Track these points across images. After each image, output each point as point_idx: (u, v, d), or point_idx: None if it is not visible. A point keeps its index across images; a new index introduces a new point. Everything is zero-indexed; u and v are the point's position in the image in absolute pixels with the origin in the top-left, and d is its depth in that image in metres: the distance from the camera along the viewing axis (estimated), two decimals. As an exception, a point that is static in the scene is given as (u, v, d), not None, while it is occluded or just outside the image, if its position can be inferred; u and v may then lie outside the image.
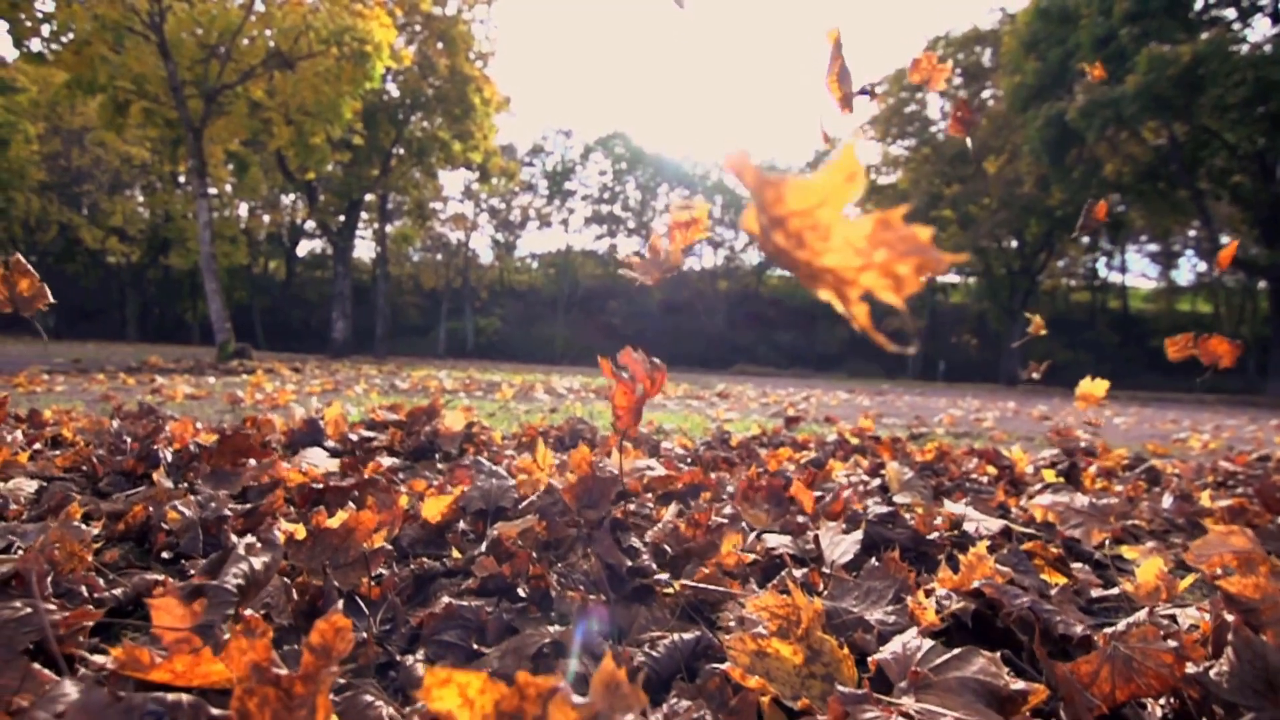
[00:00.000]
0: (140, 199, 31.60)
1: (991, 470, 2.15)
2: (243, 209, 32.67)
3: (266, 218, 34.04)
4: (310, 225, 33.37)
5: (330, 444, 2.05)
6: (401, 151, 16.65)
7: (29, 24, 8.27)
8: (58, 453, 1.92)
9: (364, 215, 18.02)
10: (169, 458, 1.61)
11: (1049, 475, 1.98)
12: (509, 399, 6.27)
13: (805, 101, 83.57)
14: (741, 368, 33.63)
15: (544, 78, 72.04)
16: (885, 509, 1.24)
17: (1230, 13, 18.22)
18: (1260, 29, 17.71)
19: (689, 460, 2.11)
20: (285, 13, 9.63)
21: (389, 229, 22.24)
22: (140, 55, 9.43)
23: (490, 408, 5.19)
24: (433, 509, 1.27)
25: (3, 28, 8.86)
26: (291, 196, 28.22)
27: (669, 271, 1.21)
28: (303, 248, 40.51)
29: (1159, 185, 22.16)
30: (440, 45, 15.17)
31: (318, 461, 1.80)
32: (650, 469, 1.57)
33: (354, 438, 2.09)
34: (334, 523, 0.99)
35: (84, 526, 1.04)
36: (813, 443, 2.90)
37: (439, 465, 1.94)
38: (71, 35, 8.81)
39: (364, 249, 35.72)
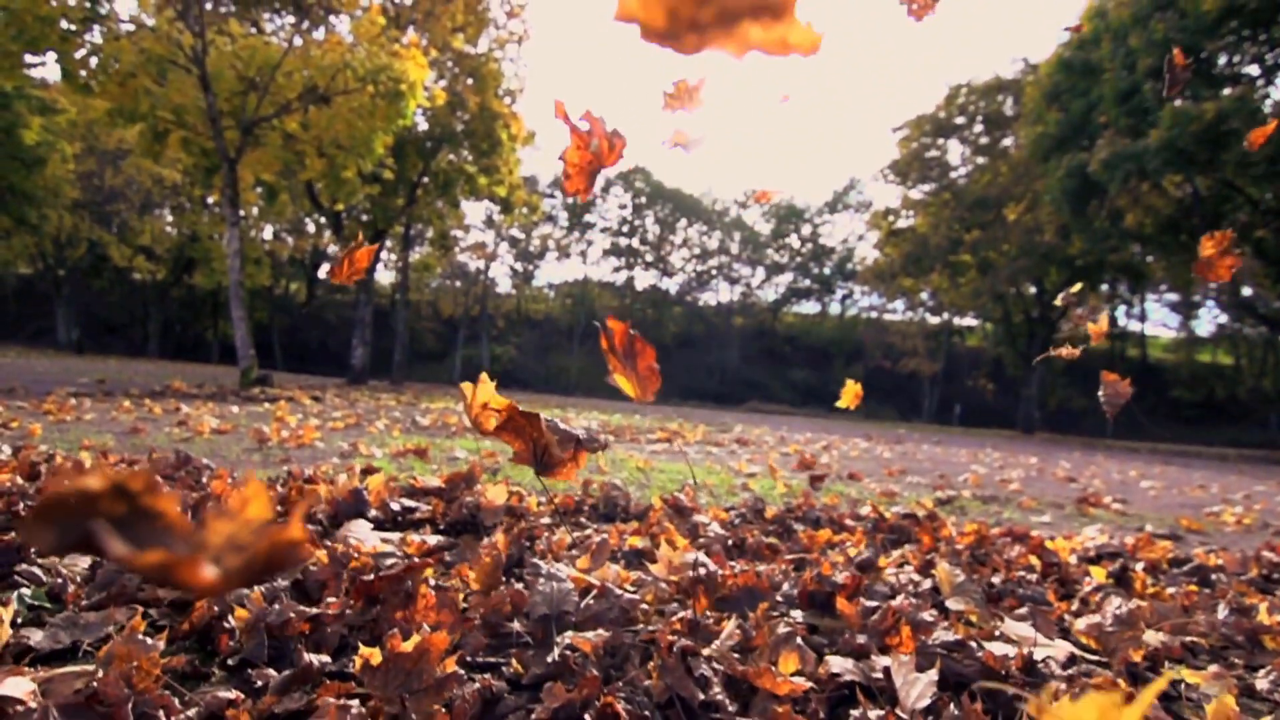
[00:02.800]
0: (169, 219, 32.20)
1: (1035, 562, 2.11)
2: (267, 231, 33.20)
3: (291, 240, 34.55)
4: (333, 249, 33.83)
5: (373, 513, 2.05)
6: (427, 182, 16.91)
7: (78, 57, 8.54)
8: (105, 515, 1.93)
9: (388, 243, 18.23)
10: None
11: (1098, 574, 1.95)
12: (530, 441, 6.27)
13: (826, 140, 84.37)
14: (755, 405, 33.50)
15: (568, 107, 73.22)
16: (951, 636, 1.22)
17: (1254, 69, 18.30)
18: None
19: (729, 543, 2.09)
20: (325, 51, 9.88)
21: (411, 257, 22.51)
22: (181, 87, 9.69)
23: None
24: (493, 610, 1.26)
25: (48, 54, 9.16)
26: (317, 218, 28.66)
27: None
28: (323, 270, 41.04)
29: (1180, 237, 22.08)
30: (470, 82, 15.49)
31: (364, 537, 1.81)
32: (700, 565, 1.56)
33: (396, 507, 2.09)
34: (408, 646, 0.99)
35: (150, 640, 1.04)
36: (846, 513, 2.87)
37: (483, 542, 1.94)
38: (117, 66, 9.07)
39: (384, 273, 36.11)
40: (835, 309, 46.74)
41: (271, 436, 4.89)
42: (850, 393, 2.08)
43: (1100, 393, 1.95)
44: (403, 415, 8.62)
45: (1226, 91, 17.86)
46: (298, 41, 10.72)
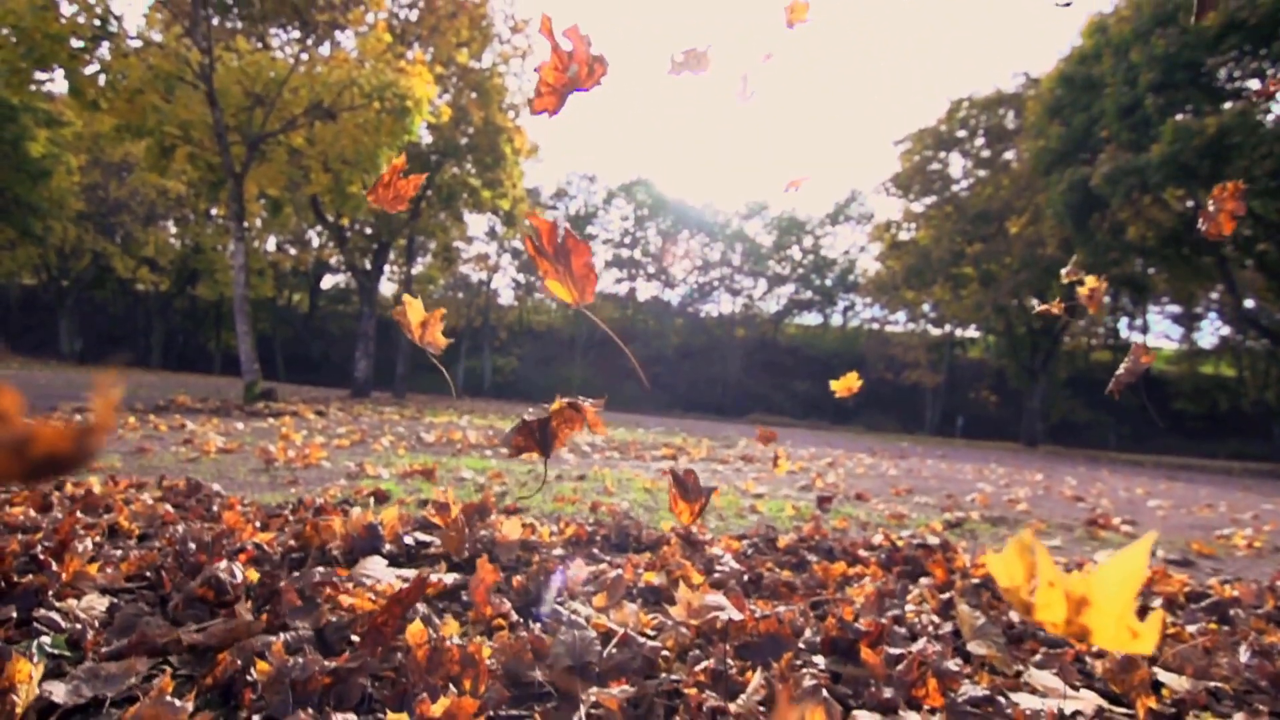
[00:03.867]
0: (173, 230, 32.32)
1: (1052, 597, 2.10)
2: (271, 243, 33.30)
3: (294, 251, 34.64)
4: (336, 259, 33.94)
5: (388, 548, 2.04)
6: (431, 195, 16.96)
7: (87, 74, 8.59)
8: (118, 551, 1.93)
9: (391, 254, 18.29)
10: (238, 576, 1.61)
11: (1116, 612, 1.93)
12: (535, 458, 6.26)
13: (827, 152, 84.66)
14: (757, 417, 33.45)
15: (570, 123, 73.62)
16: (978, 690, 1.21)
17: (1255, 84, 18.36)
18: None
19: (745, 577, 2.08)
20: (331, 68, 9.94)
21: (414, 269, 22.56)
22: (188, 103, 9.75)
23: (520, 470, 5.18)
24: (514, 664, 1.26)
25: (57, 70, 9.22)
26: (319, 231, 28.75)
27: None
28: (326, 281, 41.15)
29: (1183, 250, 22.11)
30: (474, 96, 15.57)
31: (380, 575, 1.80)
32: (719, 609, 1.55)
33: (410, 541, 2.09)
34: (437, 710, 0.98)
35: (177, 702, 1.03)
36: (859, 542, 2.86)
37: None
38: (124, 83, 9.13)
39: (387, 284, 36.19)
40: (837, 320, 46.78)
41: (278, 456, 4.89)
42: (846, 383, 2.11)
43: (1123, 362, 1.95)
44: (407, 431, 8.61)
45: (1227, 106, 17.94)
46: (305, 59, 10.79)
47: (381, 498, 3.68)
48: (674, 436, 12.26)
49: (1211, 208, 1.94)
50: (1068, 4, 1.97)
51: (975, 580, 2.28)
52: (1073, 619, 0.48)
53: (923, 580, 2.30)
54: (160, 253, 30.61)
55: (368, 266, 17.82)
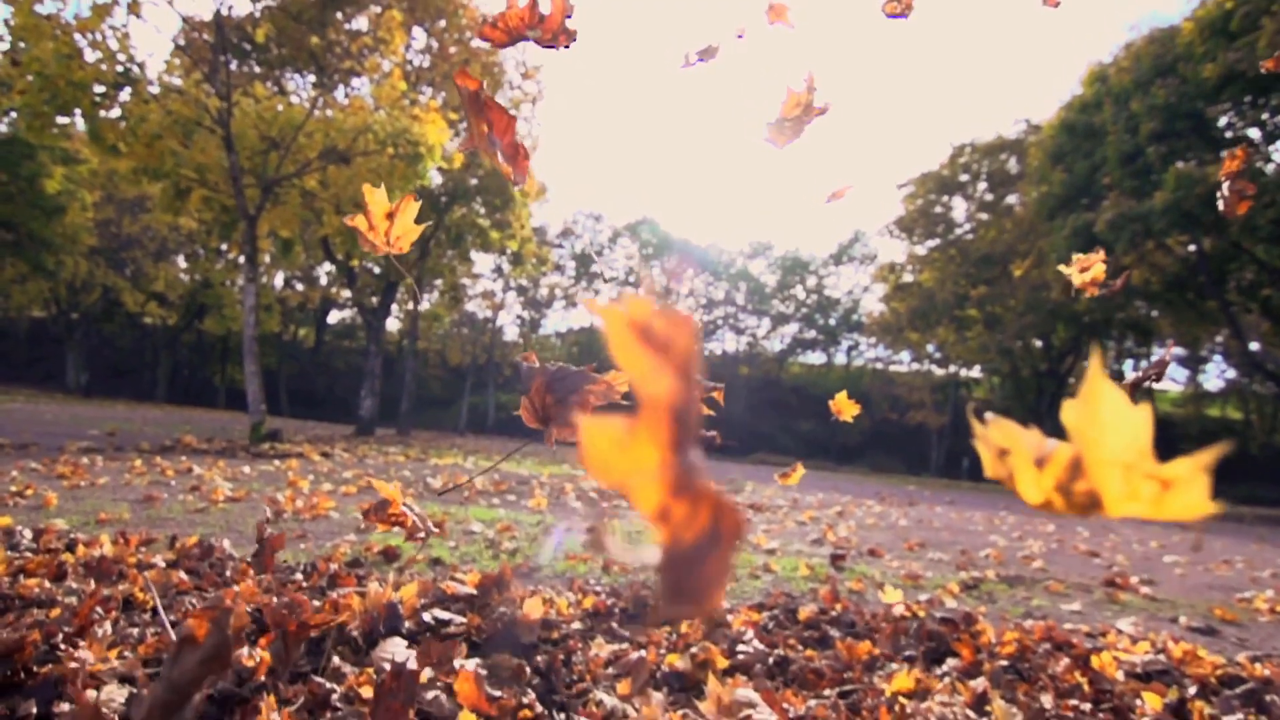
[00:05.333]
0: (183, 265, 32.60)
1: (1083, 681, 2.06)
2: (279, 278, 33.56)
3: (301, 287, 34.89)
4: (344, 294, 34.16)
5: (408, 626, 2.01)
6: (441, 235, 17.14)
7: (108, 119, 8.76)
8: (135, 629, 1.90)
9: (398, 293, 18.42)
10: (258, 658, 1.58)
11: (1152, 702, 1.89)
12: (544, 507, 6.21)
13: (830, 193, 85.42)
14: (762, 457, 33.25)
15: (577, 162, 74.73)
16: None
17: (1255, 133, 18.60)
18: (1287, 150, 18.07)
19: (770, 660, 2.04)
20: (347, 115, 10.13)
21: (420, 306, 22.68)
22: (205, 147, 9.92)
23: (530, 524, 5.13)
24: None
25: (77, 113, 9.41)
26: (327, 267, 28.98)
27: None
28: (333, 316, 41.36)
29: (1187, 295, 22.15)
30: (485, 139, 15.79)
31: (400, 656, 1.76)
32: (751, 706, 1.52)
33: (429, 619, 2.06)
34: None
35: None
36: (880, 614, 2.81)
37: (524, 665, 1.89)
38: (144, 128, 9.30)
39: (391, 321, 36.35)
40: (841, 360, 46.76)
41: (286, 506, 4.86)
42: (845, 406, 2.12)
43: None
44: (413, 474, 8.57)
45: (1226, 152, 18.13)
46: (321, 104, 11.00)
47: (391, 556, 3.64)
48: (680, 480, 12.18)
49: (1226, 188, 1.93)
50: (1056, 4, 1.99)
51: (1004, 661, 2.23)
52: (1071, 483, 0.41)
53: (950, 661, 2.26)
54: (170, 287, 30.84)
55: (375, 304, 17.94)
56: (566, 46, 1.18)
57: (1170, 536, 9.34)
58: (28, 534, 3.09)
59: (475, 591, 2.29)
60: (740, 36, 2.00)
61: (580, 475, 10.94)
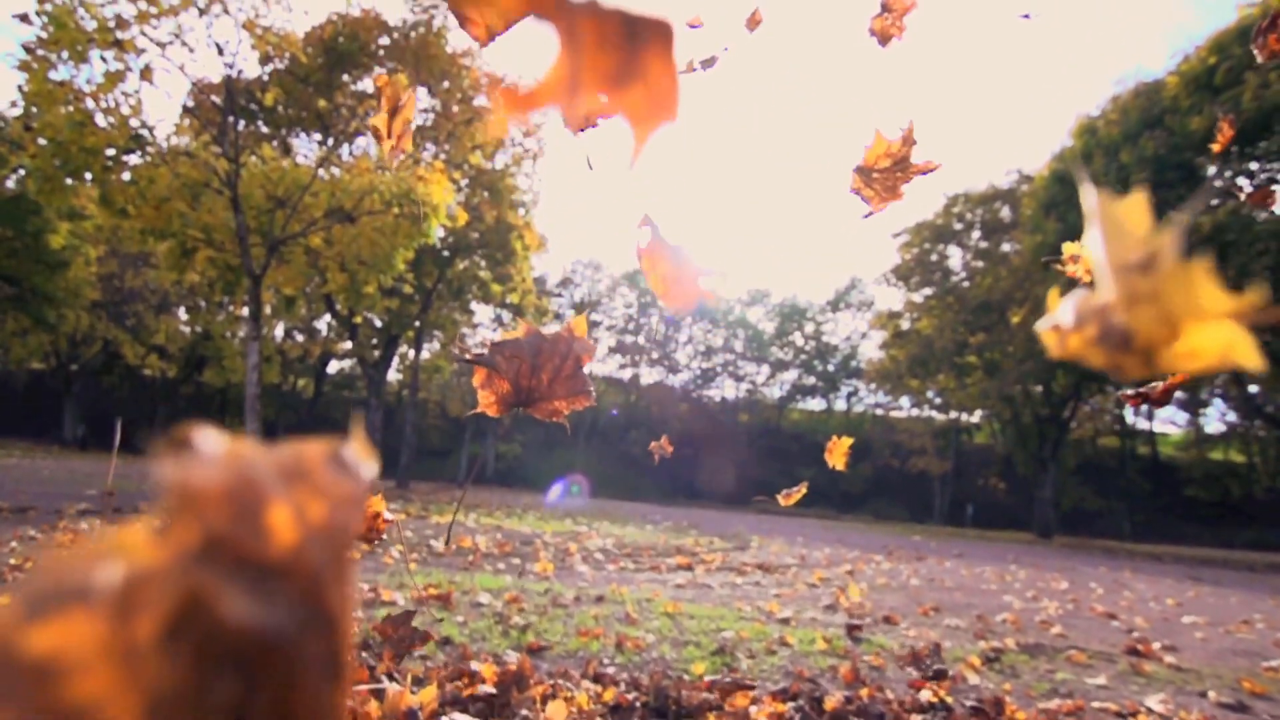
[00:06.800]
0: (184, 317, 32.72)
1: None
2: (279, 329, 33.66)
3: (301, 338, 34.97)
4: (344, 346, 34.22)
5: (425, 733, 1.95)
6: (442, 288, 17.26)
7: (118, 184, 8.90)
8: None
9: (400, 345, 18.48)
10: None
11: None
12: (550, 573, 6.10)
13: (827, 240, 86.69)
14: (764, 506, 32.91)
15: (576, 213, 75.78)
16: None
17: (1245, 183, 18.90)
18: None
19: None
20: (353, 175, 10.31)
21: (422, 356, 22.71)
22: (212, 208, 10.05)
23: (538, 592, 5.02)
24: None
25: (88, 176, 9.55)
26: (331, 323, 29.09)
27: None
28: (332, 366, 41.36)
29: (1185, 340, 22.18)
30: (487, 195, 16.07)
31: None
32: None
33: (448, 723, 1.99)
34: None
35: None
36: (907, 701, 2.73)
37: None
38: (153, 190, 9.44)
39: (392, 373, 36.33)
40: (841, 405, 46.70)
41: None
42: (839, 452, 2.10)
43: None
44: (415, 535, 8.45)
45: (1216, 203, 18.42)
46: (328, 166, 11.19)
47: (406, 647, 3.55)
48: (684, 535, 12.03)
49: (1249, 188, 1.97)
50: (1026, 16, 2.01)
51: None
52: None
53: (985, 760, 2.19)
54: (170, 340, 30.90)
55: (376, 357, 17.98)
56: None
57: (1185, 592, 9.18)
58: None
59: (494, 690, 2.22)
60: (725, 49, 2.00)
61: (584, 533, 10.80)
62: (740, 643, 4.02)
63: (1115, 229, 0.32)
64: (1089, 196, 0.31)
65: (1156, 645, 4.77)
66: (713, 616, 4.69)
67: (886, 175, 1.14)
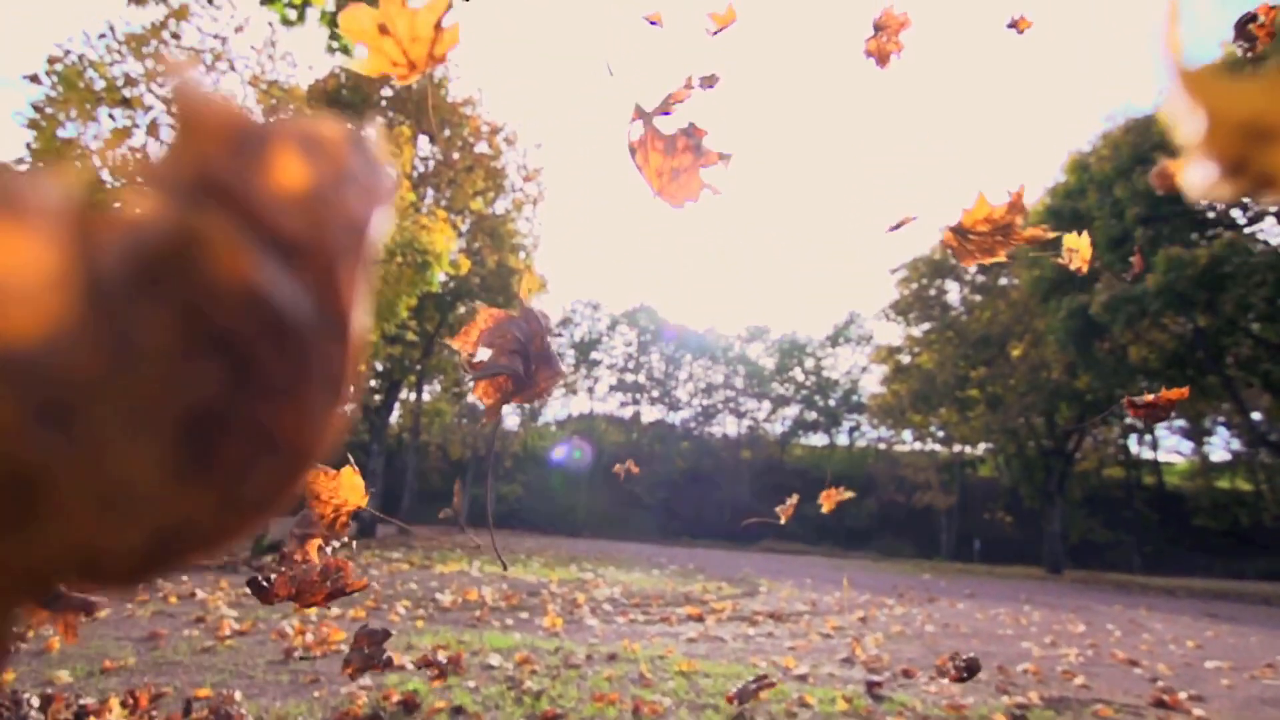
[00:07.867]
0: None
1: None
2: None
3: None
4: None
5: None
6: (444, 332, 17.27)
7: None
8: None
9: (402, 392, 18.41)
10: None
11: None
12: (559, 628, 5.97)
13: (824, 276, 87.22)
14: (769, 544, 32.55)
15: (575, 253, 76.38)
16: None
17: (1239, 215, 19.09)
18: (1273, 231, 18.45)
19: None
20: (357, 226, 10.35)
21: (423, 399, 22.62)
22: (217, 260, 10.08)
23: (549, 650, 4.91)
24: None
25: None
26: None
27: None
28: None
29: (1187, 371, 22.22)
30: (488, 240, 16.18)
31: None
32: None
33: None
34: None
35: None
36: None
37: None
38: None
39: (393, 418, 36.19)
40: (843, 440, 46.47)
41: (295, 640, 4.67)
42: (833, 500, 2.10)
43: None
44: (419, 588, 8.32)
45: (1212, 233, 18.57)
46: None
47: (411, 706, 3.48)
48: (692, 580, 11.85)
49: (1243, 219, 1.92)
50: (1012, 25, 2.01)
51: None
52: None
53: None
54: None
55: (378, 403, 17.91)
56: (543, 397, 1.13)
57: (1204, 632, 9.01)
58: (35, 700, 2.94)
59: (516, 776, 2.15)
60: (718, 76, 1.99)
61: (590, 580, 10.64)
62: (759, 705, 3.92)
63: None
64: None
65: (1183, 695, 4.66)
66: (729, 675, 4.58)
67: (984, 239, 1.12)
